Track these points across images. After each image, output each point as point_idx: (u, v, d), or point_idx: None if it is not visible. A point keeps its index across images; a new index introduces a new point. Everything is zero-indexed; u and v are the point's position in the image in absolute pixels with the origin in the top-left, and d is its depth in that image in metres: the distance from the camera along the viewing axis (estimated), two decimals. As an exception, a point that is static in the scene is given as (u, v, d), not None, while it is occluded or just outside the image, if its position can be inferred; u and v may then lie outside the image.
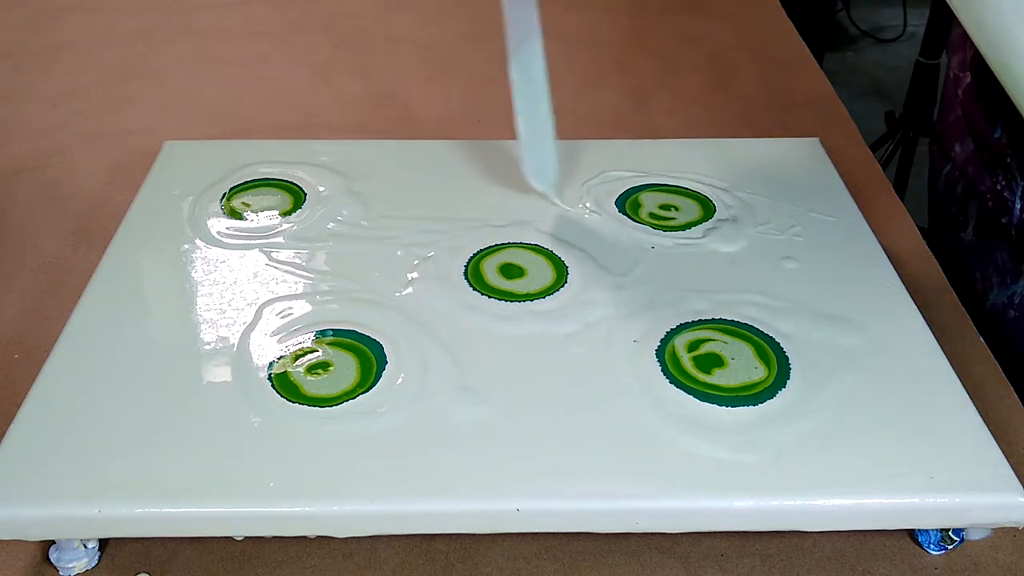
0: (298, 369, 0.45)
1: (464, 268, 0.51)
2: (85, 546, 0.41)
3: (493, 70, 0.80)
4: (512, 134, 0.70)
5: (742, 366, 0.45)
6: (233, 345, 0.46)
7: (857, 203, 0.57)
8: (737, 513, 0.40)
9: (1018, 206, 0.57)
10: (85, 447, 0.41)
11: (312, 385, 0.44)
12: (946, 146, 0.66)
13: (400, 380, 0.44)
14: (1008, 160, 0.57)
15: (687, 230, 0.55)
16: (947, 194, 0.61)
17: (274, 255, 0.52)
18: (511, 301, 0.49)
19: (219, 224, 0.55)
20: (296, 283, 0.50)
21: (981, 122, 0.60)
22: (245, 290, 0.50)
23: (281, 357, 0.46)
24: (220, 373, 0.45)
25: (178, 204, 0.56)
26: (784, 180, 0.59)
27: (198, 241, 0.53)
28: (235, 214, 0.56)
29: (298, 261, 0.52)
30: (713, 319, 0.48)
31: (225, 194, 0.57)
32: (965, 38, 0.64)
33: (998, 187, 0.58)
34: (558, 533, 0.43)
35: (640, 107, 0.75)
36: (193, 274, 0.51)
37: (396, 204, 0.56)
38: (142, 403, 0.43)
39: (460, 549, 0.42)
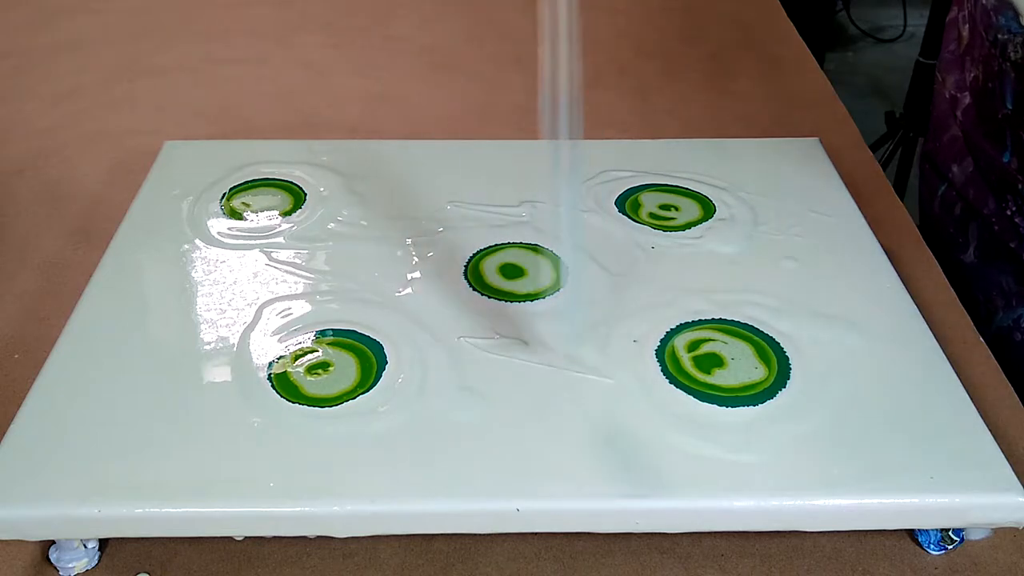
0: (298, 369, 0.45)
1: (464, 268, 0.51)
2: (85, 546, 0.41)
3: (493, 70, 0.80)
4: (512, 134, 0.71)
5: (742, 366, 0.45)
6: (233, 345, 0.46)
7: (857, 203, 0.57)
8: (737, 513, 0.40)
9: None
10: (85, 447, 0.41)
11: (312, 385, 0.44)
12: (941, 166, 0.66)
13: (400, 380, 0.44)
14: (1020, 187, 0.57)
15: (687, 230, 0.55)
16: (944, 215, 0.61)
17: (274, 255, 0.52)
18: (511, 301, 0.49)
19: (219, 224, 0.55)
20: (296, 283, 0.50)
21: (986, 145, 0.59)
22: (245, 290, 0.50)
23: (281, 357, 0.46)
24: (220, 373, 0.45)
25: (178, 204, 0.56)
26: (784, 180, 0.59)
27: (198, 241, 0.53)
28: (235, 214, 0.56)
29: (298, 261, 0.52)
30: (713, 319, 0.48)
31: (225, 194, 0.57)
32: (961, 58, 0.63)
33: (1008, 212, 0.58)
34: (558, 533, 0.43)
35: (640, 107, 0.75)
36: (193, 274, 0.51)
37: (396, 204, 0.56)
38: (142, 403, 0.43)
39: (460, 549, 0.42)
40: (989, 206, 0.60)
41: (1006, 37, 0.57)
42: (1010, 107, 0.57)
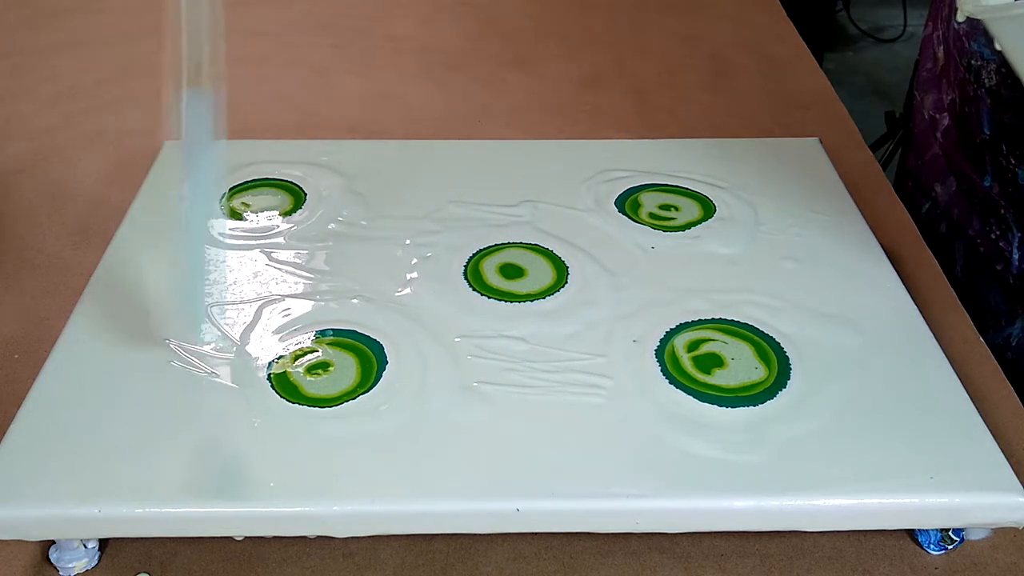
0: (298, 369, 0.45)
1: (464, 268, 0.51)
2: (85, 546, 0.41)
3: (493, 70, 0.80)
4: (512, 134, 0.71)
5: (742, 366, 0.45)
6: (233, 345, 0.46)
7: (857, 203, 0.57)
8: (737, 513, 0.40)
9: (1016, 256, 0.56)
10: (85, 447, 0.41)
11: (312, 385, 0.44)
12: (924, 185, 0.66)
13: (400, 380, 0.44)
14: (1002, 211, 0.57)
15: (687, 230, 0.55)
16: (928, 233, 0.61)
17: (274, 255, 0.52)
18: (511, 301, 0.49)
19: (219, 224, 0.55)
20: (296, 283, 0.50)
21: (967, 168, 0.59)
22: (245, 290, 0.50)
23: (281, 357, 0.45)
24: (220, 373, 0.45)
25: (178, 204, 0.56)
26: (784, 180, 0.59)
27: (198, 241, 0.53)
28: (235, 214, 0.56)
29: (298, 261, 0.52)
30: (713, 319, 0.48)
31: (225, 194, 0.57)
32: (938, 78, 0.63)
33: (992, 236, 0.58)
34: (558, 533, 0.43)
35: (640, 107, 0.75)
36: (193, 274, 0.51)
37: (396, 204, 0.56)
38: (142, 403, 0.43)
39: (460, 549, 0.42)
40: (974, 227, 0.60)
41: (979, 63, 0.57)
42: (988, 133, 0.57)
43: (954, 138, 0.61)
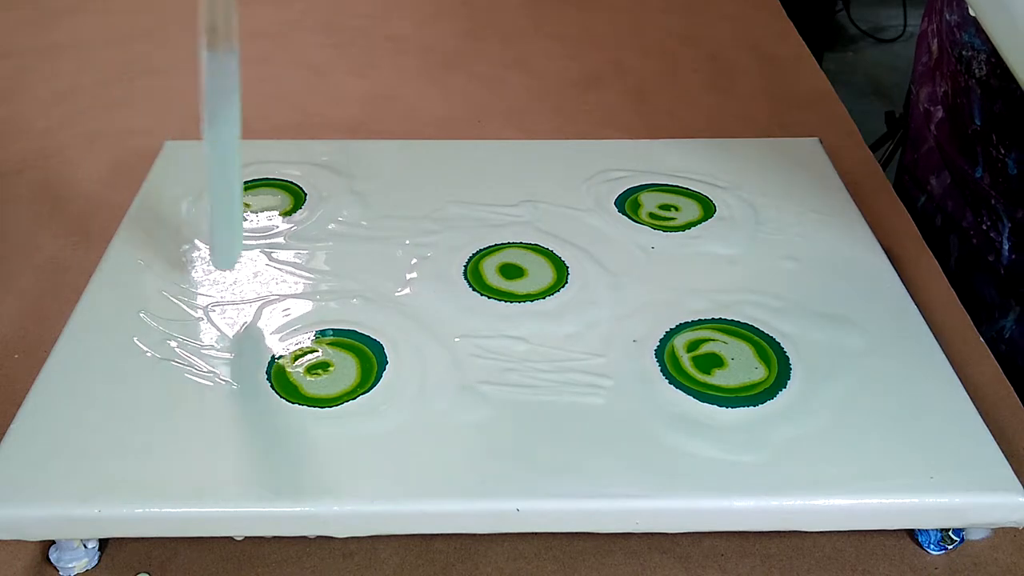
0: (298, 369, 0.45)
1: (463, 268, 0.51)
2: (85, 546, 0.41)
3: (493, 70, 0.80)
4: (512, 134, 0.71)
5: (742, 366, 0.45)
6: (233, 345, 0.46)
7: (857, 203, 0.57)
8: (737, 513, 0.40)
9: (1006, 247, 0.56)
10: (85, 447, 0.41)
11: (312, 385, 0.44)
12: (920, 178, 0.66)
13: (400, 380, 0.44)
14: (992, 202, 0.57)
15: (687, 230, 0.55)
16: (924, 227, 0.61)
17: (274, 255, 0.52)
18: (511, 301, 0.49)
19: (219, 224, 0.55)
20: (296, 283, 0.50)
21: (959, 160, 0.59)
22: (245, 290, 0.50)
23: (280, 357, 0.46)
24: (220, 373, 0.45)
25: (178, 204, 0.56)
26: (784, 180, 0.59)
27: (197, 241, 0.53)
28: (235, 214, 0.56)
29: (298, 261, 0.52)
30: (713, 319, 0.48)
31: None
32: (932, 71, 0.63)
33: (983, 227, 0.58)
34: (558, 533, 0.43)
35: (640, 107, 0.75)
36: (193, 274, 0.51)
37: (396, 204, 0.56)
38: (142, 403, 0.43)
39: (460, 549, 0.42)
40: (967, 219, 0.60)
41: (970, 54, 0.57)
42: (979, 124, 0.57)
43: (947, 130, 0.61)
